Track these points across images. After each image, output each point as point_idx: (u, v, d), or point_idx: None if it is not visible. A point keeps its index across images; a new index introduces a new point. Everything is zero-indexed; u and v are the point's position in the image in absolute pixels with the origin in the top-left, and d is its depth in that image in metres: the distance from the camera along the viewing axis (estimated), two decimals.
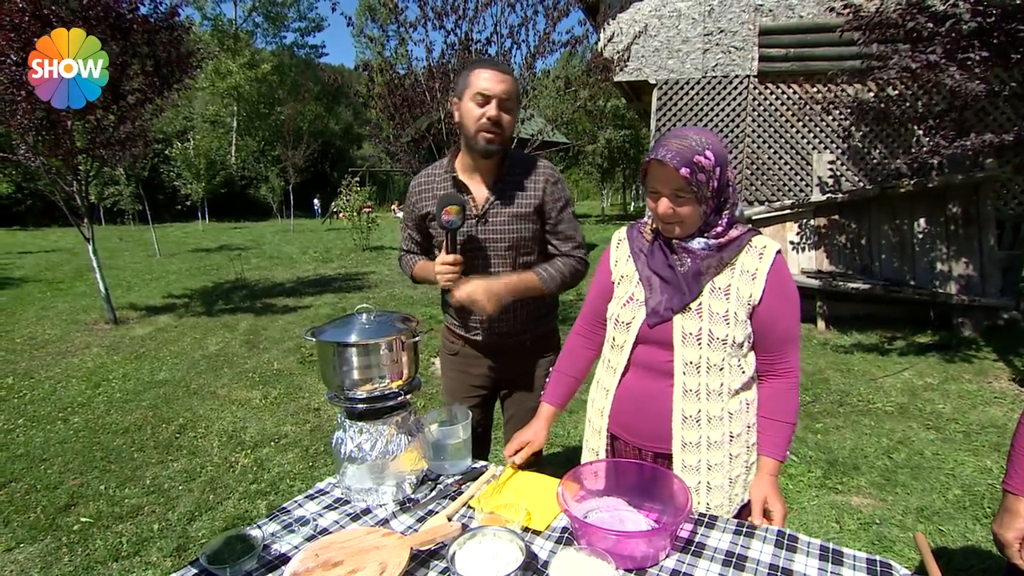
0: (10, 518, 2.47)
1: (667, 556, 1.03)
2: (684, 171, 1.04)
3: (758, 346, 1.16)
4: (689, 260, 1.14)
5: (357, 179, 13.13)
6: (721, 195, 1.11)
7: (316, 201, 22.59)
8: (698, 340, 1.12)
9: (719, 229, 1.13)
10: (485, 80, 1.43)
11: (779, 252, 1.14)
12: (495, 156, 1.51)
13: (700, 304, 1.12)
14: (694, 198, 1.07)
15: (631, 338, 1.18)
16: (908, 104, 5.26)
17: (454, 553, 0.98)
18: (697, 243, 1.13)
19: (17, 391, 4.05)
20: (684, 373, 1.14)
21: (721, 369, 1.13)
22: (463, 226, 1.46)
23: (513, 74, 1.50)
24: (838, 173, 5.75)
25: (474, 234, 1.55)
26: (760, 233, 1.17)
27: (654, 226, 1.20)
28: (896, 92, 5.33)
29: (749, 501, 1.21)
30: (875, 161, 5.68)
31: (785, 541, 1.07)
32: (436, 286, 1.62)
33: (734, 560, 1.02)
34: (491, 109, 1.43)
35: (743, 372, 1.16)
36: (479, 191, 1.55)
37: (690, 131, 1.09)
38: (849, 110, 4.85)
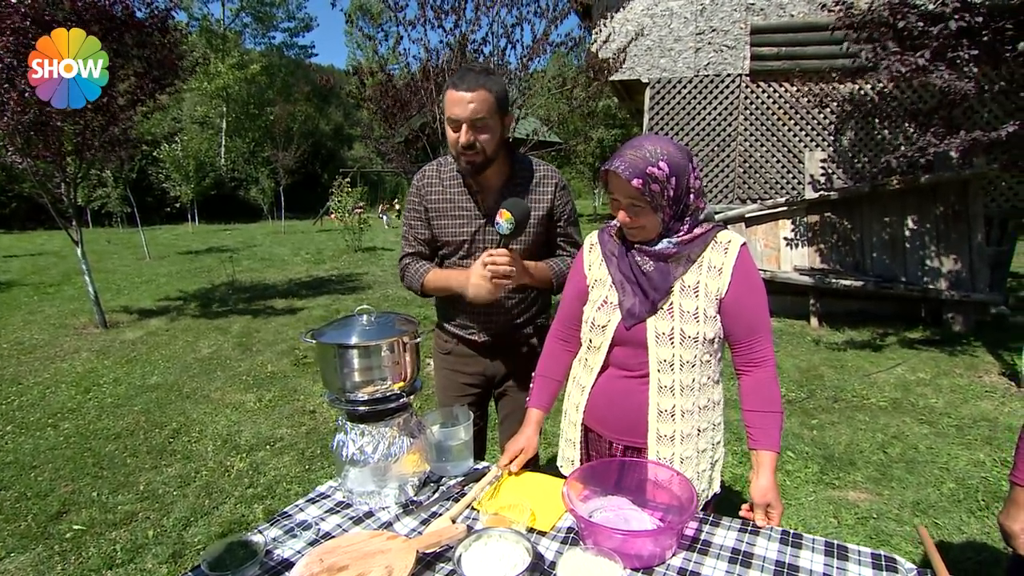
0: (0, 527, 2.43)
1: (673, 555, 1.03)
2: (636, 182, 1.08)
3: (730, 337, 1.19)
4: (653, 261, 1.17)
5: (348, 180, 13.04)
6: (680, 203, 1.13)
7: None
8: (670, 339, 1.15)
9: (682, 234, 1.16)
10: (454, 104, 1.37)
11: (744, 245, 1.17)
12: (481, 173, 1.48)
13: (671, 304, 1.15)
14: (649, 208, 1.11)
15: (607, 340, 1.21)
16: (898, 102, 5.31)
17: (460, 555, 0.97)
18: (661, 244, 1.16)
19: (5, 397, 3.98)
20: (659, 371, 1.17)
21: (693, 366, 1.17)
22: (512, 235, 1.36)
23: (487, 83, 1.38)
24: (830, 171, 5.79)
25: (482, 235, 1.55)
26: (725, 228, 1.20)
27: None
28: (887, 90, 5.39)
29: (715, 496, 1.27)
30: (866, 159, 5.73)
31: (790, 538, 1.08)
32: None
33: (740, 557, 1.03)
34: (462, 135, 1.39)
35: (713, 368, 1.21)
36: (488, 193, 1.55)
37: (647, 140, 1.11)
38: (840, 107, 4.88)
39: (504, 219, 1.32)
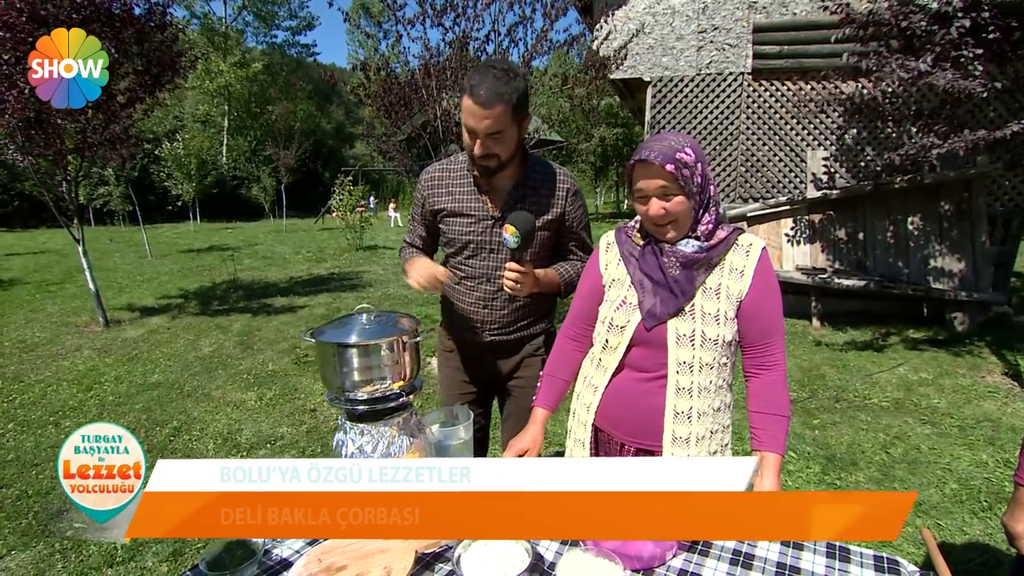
0: (1, 525, 2.43)
1: (674, 556, 1.03)
2: (669, 167, 1.08)
3: (744, 340, 1.19)
4: (680, 263, 1.15)
5: (350, 179, 13.05)
6: (705, 191, 1.14)
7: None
8: (691, 341, 1.14)
9: (707, 227, 1.15)
10: (469, 115, 1.35)
11: (764, 248, 1.17)
12: (494, 175, 1.47)
13: (693, 306, 1.15)
14: (682, 193, 1.10)
15: (625, 340, 1.20)
16: (901, 101, 5.29)
17: (459, 556, 0.96)
18: (688, 246, 1.15)
19: (6, 395, 3.99)
20: (678, 372, 1.16)
21: (712, 368, 1.16)
22: (521, 249, 1.35)
23: (505, 93, 1.32)
24: (832, 170, 5.77)
25: (489, 236, 1.53)
26: (744, 231, 1.20)
27: (644, 231, 1.22)
28: (890, 90, 5.36)
29: None
30: (868, 158, 5.71)
31: (791, 540, 1.07)
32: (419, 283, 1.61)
33: (741, 558, 1.02)
34: (477, 147, 1.39)
35: (728, 371, 1.21)
36: (498, 194, 1.52)
37: (667, 134, 1.14)
38: (843, 108, 4.86)
39: (510, 234, 1.31)
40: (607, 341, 1.24)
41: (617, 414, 1.25)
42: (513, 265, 1.39)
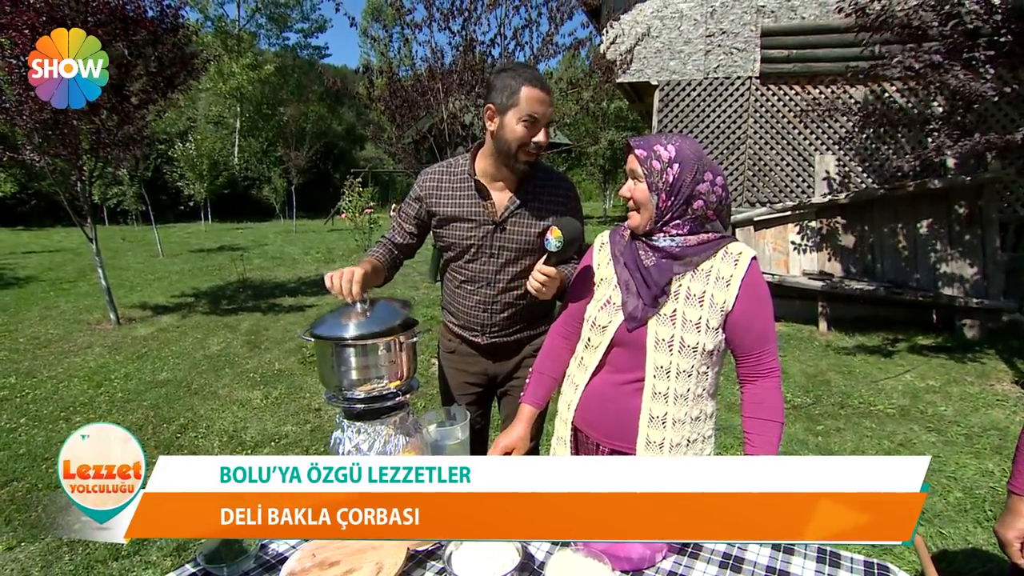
0: (11, 517, 2.48)
1: (664, 558, 1.03)
2: (639, 152, 1.14)
3: (738, 350, 1.19)
4: (655, 255, 1.17)
5: (359, 180, 13.13)
6: (677, 194, 1.13)
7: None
8: (669, 346, 1.14)
9: (681, 232, 1.15)
10: (538, 103, 1.37)
11: (754, 258, 1.17)
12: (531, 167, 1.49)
13: (675, 311, 1.15)
14: (645, 183, 1.14)
15: (606, 340, 1.21)
16: (912, 106, 5.24)
17: (451, 553, 0.98)
18: (663, 241, 1.17)
19: (19, 390, 4.07)
20: (655, 376, 1.17)
21: (689, 375, 1.16)
22: (558, 254, 1.30)
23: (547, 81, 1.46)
24: (840, 174, 5.73)
25: (490, 241, 1.54)
26: (735, 240, 1.20)
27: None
28: (899, 94, 5.31)
29: None
30: (878, 163, 5.67)
31: (782, 543, 1.07)
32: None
33: (731, 562, 1.03)
34: (541, 135, 1.40)
35: (709, 381, 1.20)
36: (500, 198, 1.53)
37: (673, 134, 1.17)
38: (852, 112, 4.83)
39: (553, 236, 1.28)
40: (589, 339, 1.26)
41: (594, 415, 1.26)
42: (545, 268, 1.33)
